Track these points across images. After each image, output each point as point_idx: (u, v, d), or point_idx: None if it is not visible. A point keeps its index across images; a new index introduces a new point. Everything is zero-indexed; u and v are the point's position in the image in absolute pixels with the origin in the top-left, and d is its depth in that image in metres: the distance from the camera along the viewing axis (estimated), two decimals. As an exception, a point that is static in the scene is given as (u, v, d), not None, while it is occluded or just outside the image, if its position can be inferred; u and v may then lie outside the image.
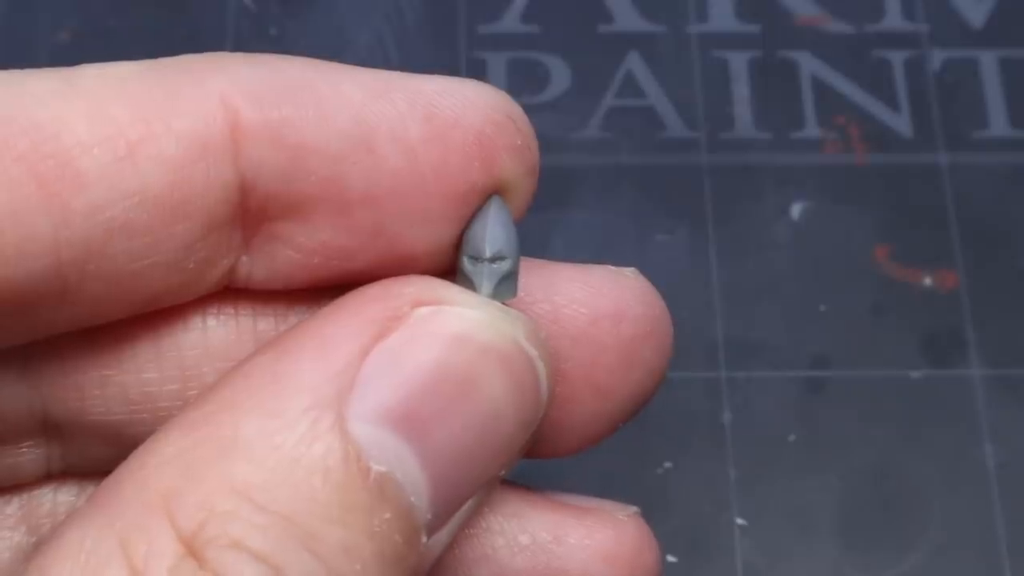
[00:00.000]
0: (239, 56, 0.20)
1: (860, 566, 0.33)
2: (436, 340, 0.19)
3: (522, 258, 0.22)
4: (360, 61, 0.40)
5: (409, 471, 0.18)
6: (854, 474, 0.34)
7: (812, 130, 0.39)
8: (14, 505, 0.22)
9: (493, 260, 0.21)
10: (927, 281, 0.37)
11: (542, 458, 0.22)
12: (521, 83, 0.39)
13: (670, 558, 0.33)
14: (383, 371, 0.18)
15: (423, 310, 0.19)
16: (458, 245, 0.21)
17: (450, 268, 0.21)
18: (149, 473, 0.18)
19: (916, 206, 0.38)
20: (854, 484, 0.34)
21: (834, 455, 0.35)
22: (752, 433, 0.35)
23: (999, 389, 0.35)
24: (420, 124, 0.20)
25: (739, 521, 0.34)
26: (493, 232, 0.21)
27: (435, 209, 0.20)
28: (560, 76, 0.39)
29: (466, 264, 0.21)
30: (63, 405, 0.21)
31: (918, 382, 0.35)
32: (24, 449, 0.22)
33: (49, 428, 0.21)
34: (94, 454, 0.22)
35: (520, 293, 0.21)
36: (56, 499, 0.22)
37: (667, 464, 0.34)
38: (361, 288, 0.20)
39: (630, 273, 0.22)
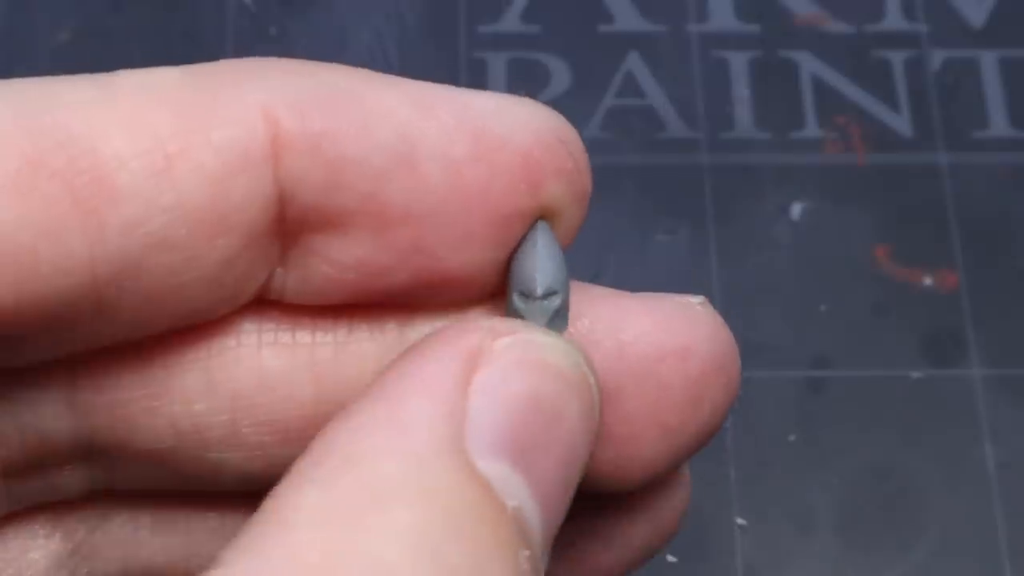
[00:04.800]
0: (281, 63, 0.20)
1: (860, 566, 0.33)
2: (524, 370, 0.19)
3: (588, 286, 0.21)
4: (360, 61, 0.40)
5: (530, 504, 0.18)
6: (854, 474, 0.34)
7: (812, 130, 0.39)
8: (47, 513, 0.22)
9: (545, 296, 0.20)
10: (927, 281, 0.37)
11: (605, 493, 0.22)
12: (521, 83, 0.39)
13: (670, 558, 0.33)
14: (487, 405, 0.18)
15: (504, 340, 0.19)
16: (505, 276, 0.20)
17: (489, 291, 0.21)
18: (298, 533, 0.17)
19: (916, 206, 0.38)
20: (854, 484, 0.34)
21: (834, 455, 0.35)
22: (752, 433, 0.35)
23: (999, 389, 0.35)
24: (466, 142, 0.19)
25: (739, 521, 0.34)
26: (543, 267, 0.20)
27: (477, 231, 0.20)
28: (560, 76, 0.39)
29: (517, 301, 0.20)
30: (111, 435, 0.21)
31: (918, 382, 0.35)
32: (67, 471, 0.21)
33: (94, 453, 0.21)
34: (137, 475, 0.21)
35: (569, 327, 0.20)
36: (90, 506, 0.22)
37: (667, 464, 0.34)
38: (441, 328, 0.19)
39: (698, 304, 0.22)
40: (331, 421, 0.18)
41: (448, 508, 0.17)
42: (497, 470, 0.18)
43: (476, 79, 0.39)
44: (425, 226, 0.20)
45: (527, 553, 0.17)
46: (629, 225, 0.37)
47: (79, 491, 0.22)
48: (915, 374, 0.36)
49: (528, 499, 0.18)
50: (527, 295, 0.20)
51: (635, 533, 0.23)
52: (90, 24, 0.40)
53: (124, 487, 0.22)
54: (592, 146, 0.38)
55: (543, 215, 0.20)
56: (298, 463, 0.18)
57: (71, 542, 0.22)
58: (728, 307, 0.36)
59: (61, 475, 0.21)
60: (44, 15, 0.40)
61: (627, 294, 0.21)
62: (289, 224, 0.20)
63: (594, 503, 0.22)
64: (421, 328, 0.21)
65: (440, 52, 0.40)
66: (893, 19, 0.40)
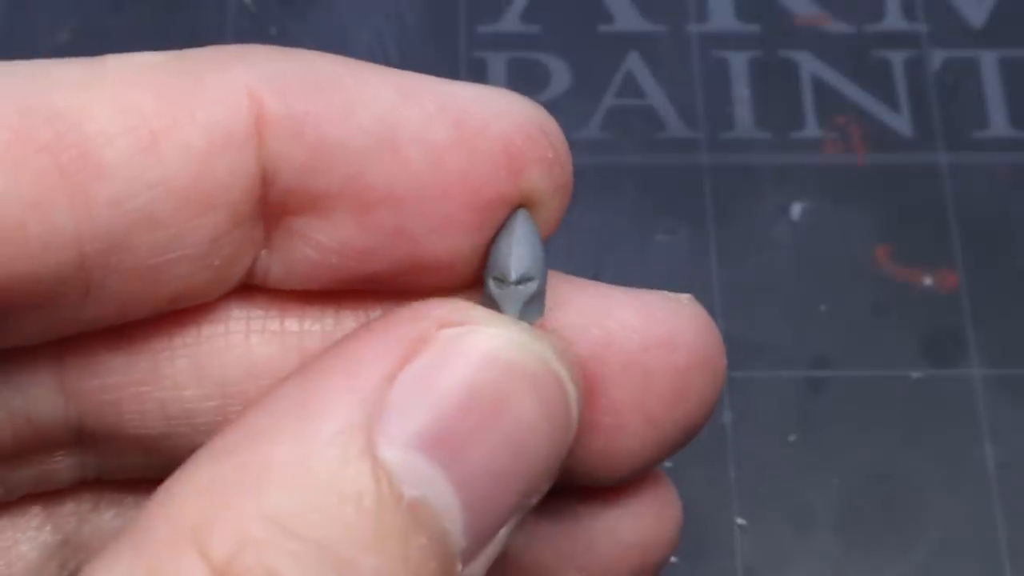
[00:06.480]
0: (267, 49, 0.20)
1: (860, 566, 0.33)
2: (463, 360, 0.18)
3: (574, 278, 0.21)
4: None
5: (442, 496, 0.18)
6: (854, 474, 0.34)
7: (812, 130, 0.39)
8: (39, 504, 0.22)
9: (520, 282, 0.20)
10: (927, 281, 0.37)
11: (590, 485, 0.21)
12: (521, 83, 0.39)
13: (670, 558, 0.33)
14: (411, 394, 0.18)
15: (449, 331, 0.19)
16: (484, 262, 0.20)
17: (471, 277, 0.21)
18: (179, 503, 0.17)
19: (916, 206, 0.38)
20: (854, 484, 0.34)
21: (834, 455, 0.35)
22: (752, 433, 0.35)
23: (999, 389, 0.35)
24: (448, 128, 0.19)
25: (739, 521, 0.34)
26: (519, 252, 0.20)
27: (458, 216, 0.20)
28: (560, 76, 0.40)
29: (492, 287, 0.20)
30: (100, 420, 0.21)
31: (918, 382, 0.35)
32: (58, 457, 0.21)
33: (84, 439, 0.21)
34: (127, 462, 0.22)
35: (545, 312, 0.20)
36: (81, 497, 0.22)
37: (667, 464, 0.34)
38: (388, 312, 0.19)
39: (685, 299, 0.22)
40: (260, 395, 0.19)
41: (324, 493, 0.17)
42: (405, 459, 0.18)
43: (476, 79, 0.39)
44: (407, 210, 0.20)
45: (422, 542, 0.17)
46: (629, 225, 0.37)
47: (70, 479, 0.22)
48: (915, 374, 0.36)
49: (445, 493, 0.18)
50: (502, 280, 0.20)
51: (622, 535, 0.23)
52: (90, 24, 0.40)
53: (115, 476, 0.22)
54: (592, 146, 0.39)
55: (523, 203, 0.20)
56: (211, 437, 0.18)
57: (61, 534, 0.22)
58: (728, 307, 0.36)
59: (52, 461, 0.21)
60: (44, 15, 0.40)
61: (614, 287, 0.21)
62: (272, 205, 0.20)
63: (579, 500, 0.22)
64: None
65: (440, 52, 0.40)
66: (893, 19, 0.40)
